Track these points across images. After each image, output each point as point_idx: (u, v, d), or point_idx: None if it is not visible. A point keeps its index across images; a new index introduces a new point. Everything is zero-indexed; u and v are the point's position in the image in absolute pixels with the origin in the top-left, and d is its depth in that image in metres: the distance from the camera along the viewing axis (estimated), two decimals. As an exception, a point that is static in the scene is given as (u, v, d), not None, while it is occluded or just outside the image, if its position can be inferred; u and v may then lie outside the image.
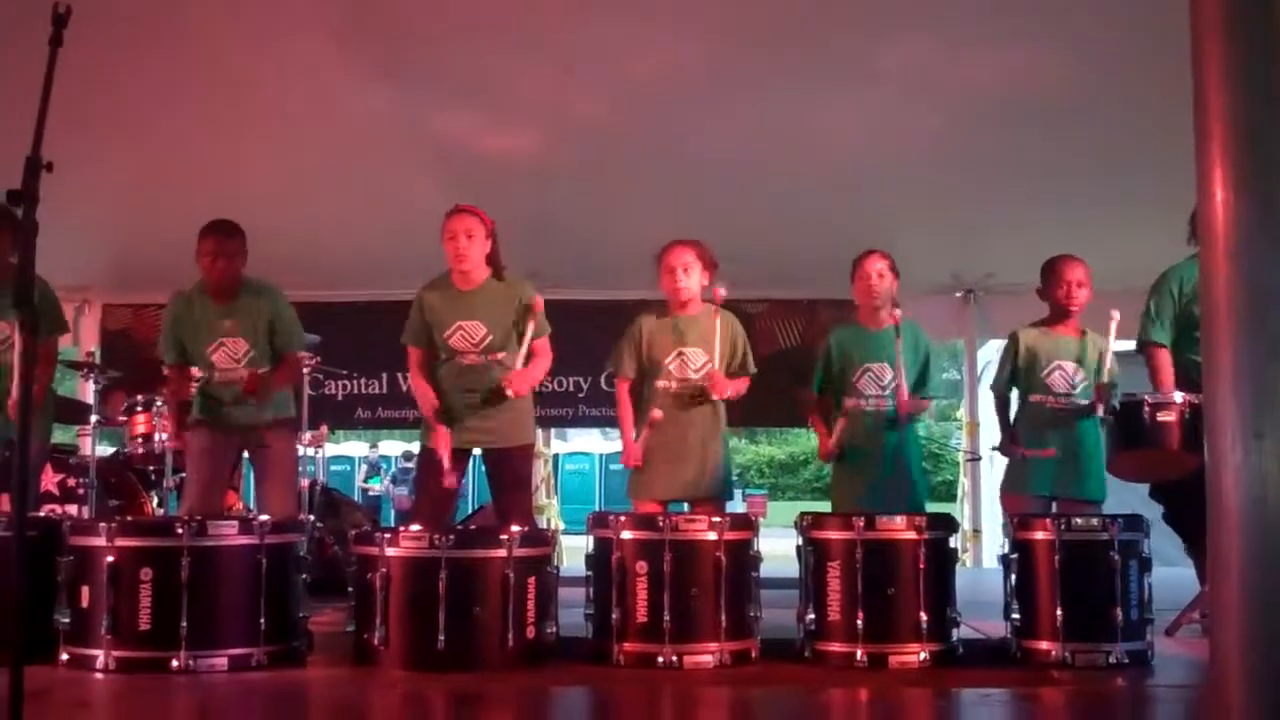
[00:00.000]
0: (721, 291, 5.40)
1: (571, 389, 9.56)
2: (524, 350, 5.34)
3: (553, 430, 11.40)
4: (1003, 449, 5.81)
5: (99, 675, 4.34)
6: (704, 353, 5.44)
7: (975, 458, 9.30)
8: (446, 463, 5.24)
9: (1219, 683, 1.95)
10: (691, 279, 5.48)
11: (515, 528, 4.76)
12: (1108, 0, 5.86)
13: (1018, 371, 5.72)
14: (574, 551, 5.04)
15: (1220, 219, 1.93)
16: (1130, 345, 5.73)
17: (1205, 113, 2.02)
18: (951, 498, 12.37)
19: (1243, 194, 1.94)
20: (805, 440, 29.43)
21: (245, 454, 6.21)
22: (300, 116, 7.17)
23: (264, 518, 4.76)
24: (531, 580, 4.57)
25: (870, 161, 7.54)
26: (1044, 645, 4.67)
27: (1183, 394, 5.13)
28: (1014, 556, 4.83)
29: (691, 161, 7.55)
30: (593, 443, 20.33)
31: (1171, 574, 5.39)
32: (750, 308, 8.89)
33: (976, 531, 9.88)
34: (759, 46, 6.39)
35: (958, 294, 9.73)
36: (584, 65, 6.73)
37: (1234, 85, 1.99)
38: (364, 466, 17.13)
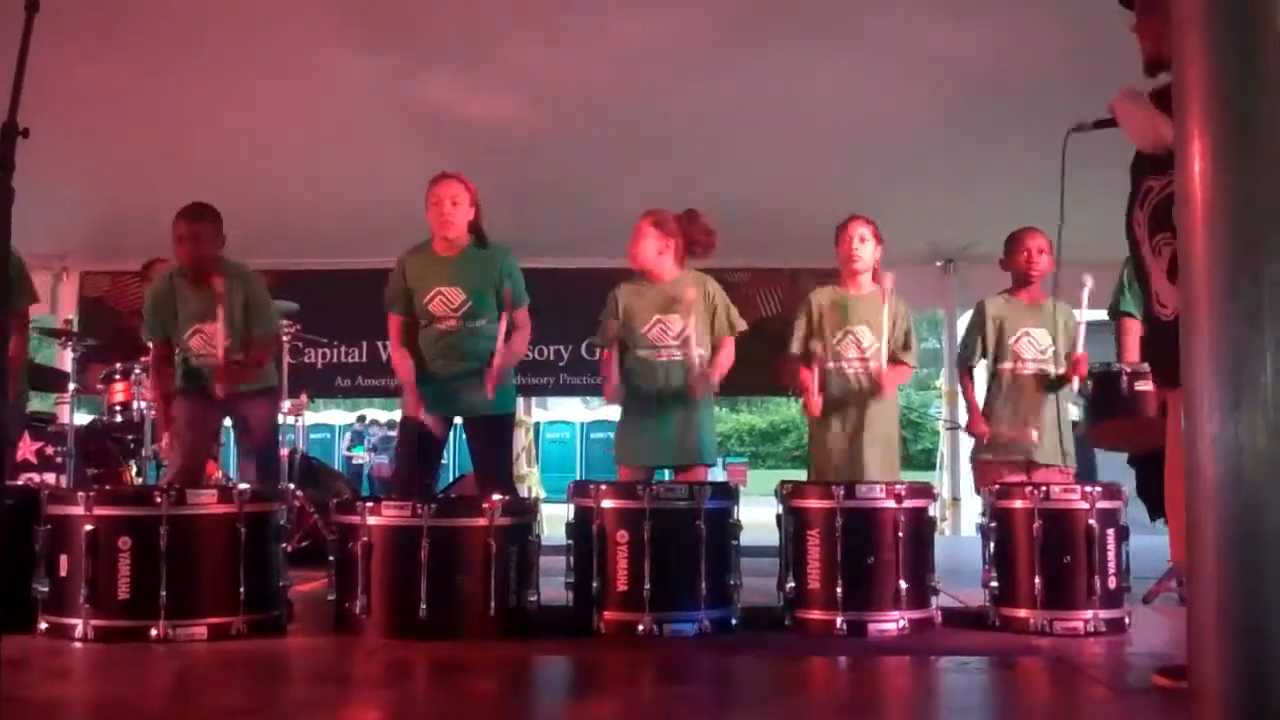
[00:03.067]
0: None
1: (552, 357, 9.56)
2: (504, 327, 5.34)
3: (533, 398, 11.40)
4: (970, 427, 5.85)
5: (77, 644, 4.32)
6: (681, 319, 5.46)
7: (954, 426, 9.33)
8: (428, 420, 5.26)
9: (1197, 657, 1.96)
10: (648, 247, 5.52)
11: (496, 496, 4.76)
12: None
13: (985, 340, 5.76)
14: (555, 520, 5.03)
15: (1198, 190, 1.92)
16: (1101, 315, 5.78)
17: (1184, 84, 2.01)
18: (931, 466, 12.42)
19: (1221, 165, 1.94)
20: (786, 409, 29.51)
21: (227, 422, 6.18)
22: (280, 83, 7.12)
23: (243, 486, 4.75)
24: (513, 549, 4.57)
25: (853, 131, 7.54)
26: (1022, 613, 4.69)
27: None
28: (992, 525, 4.85)
29: (675, 130, 7.54)
30: (574, 411, 20.33)
31: (1150, 542, 5.43)
32: (732, 276, 8.89)
33: (955, 500, 9.94)
34: (745, 14, 6.38)
35: (938, 263, 9.75)
36: (569, 31, 6.70)
37: (1213, 57, 1.98)
38: (348, 435, 17.10)
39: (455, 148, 6.88)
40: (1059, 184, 7.30)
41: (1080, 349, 5.56)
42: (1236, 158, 1.98)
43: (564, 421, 20.32)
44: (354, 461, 16.59)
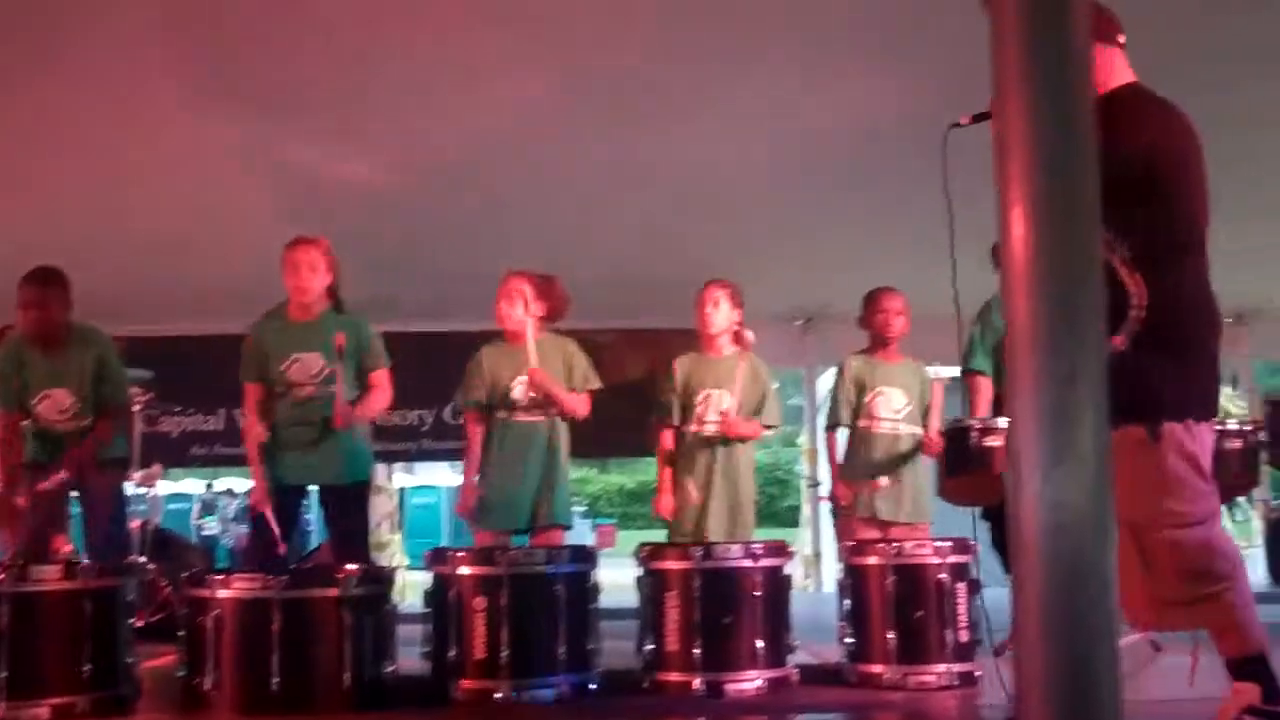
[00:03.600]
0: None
1: (416, 422, 9.47)
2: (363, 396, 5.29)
3: (398, 464, 11.28)
4: (832, 494, 5.97)
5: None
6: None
7: (815, 483, 9.45)
8: (275, 530, 5.19)
9: (1025, 711, 2.00)
10: (516, 309, 5.53)
11: (351, 566, 4.69)
12: (943, 35, 6.02)
13: (847, 399, 5.86)
14: (420, 587, 4.98)
15: (1020, 252, 1.99)
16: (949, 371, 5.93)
17: (1006, 149, 2.09)
18: (796, 523, 12.54)
19: (1043, 227, 2.01)
20: (655, 470, 29.56)
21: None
22: (137, 146, 6.99)
23: (88, 562, 4.62)
24: (368, 620, 4.50)
25: (718, 193, 7.65)
26: (877, 669, 4.74)
27: (1007, 419, 5.28)
28: (848, 581, 4.91)
29: (542, 193, 7.57)
30: (441, 475, 20.08)
31: (1004, 594, 5.51)
32: (600, 338, 8.93)
33: (818, 555, 10.03)
34: (612, 78, 6.44)
35: (797, 322, 9.90)
36: (437, 95, 6.70)
37: (1033, 121, 2.06)
38: (197, 505, 16.65)
39: (319, 212, 6.84)
40: (913, 244, 7.48)
41: (938, 410, 5.71)
42: (1057, 220, 2.04)
43: (430, 486, 20.07)
44: (204, 532, 16.12)
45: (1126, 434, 3.27)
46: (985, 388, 5.74)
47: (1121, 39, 3.59)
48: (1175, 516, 3.33)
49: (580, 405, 5.56)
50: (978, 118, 3.65)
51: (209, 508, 16.30)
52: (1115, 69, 3.55)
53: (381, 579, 4.71)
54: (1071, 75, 2.29)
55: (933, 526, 5.83)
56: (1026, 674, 2.10)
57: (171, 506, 15.63)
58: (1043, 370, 2.16)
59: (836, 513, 5.98)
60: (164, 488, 9.33)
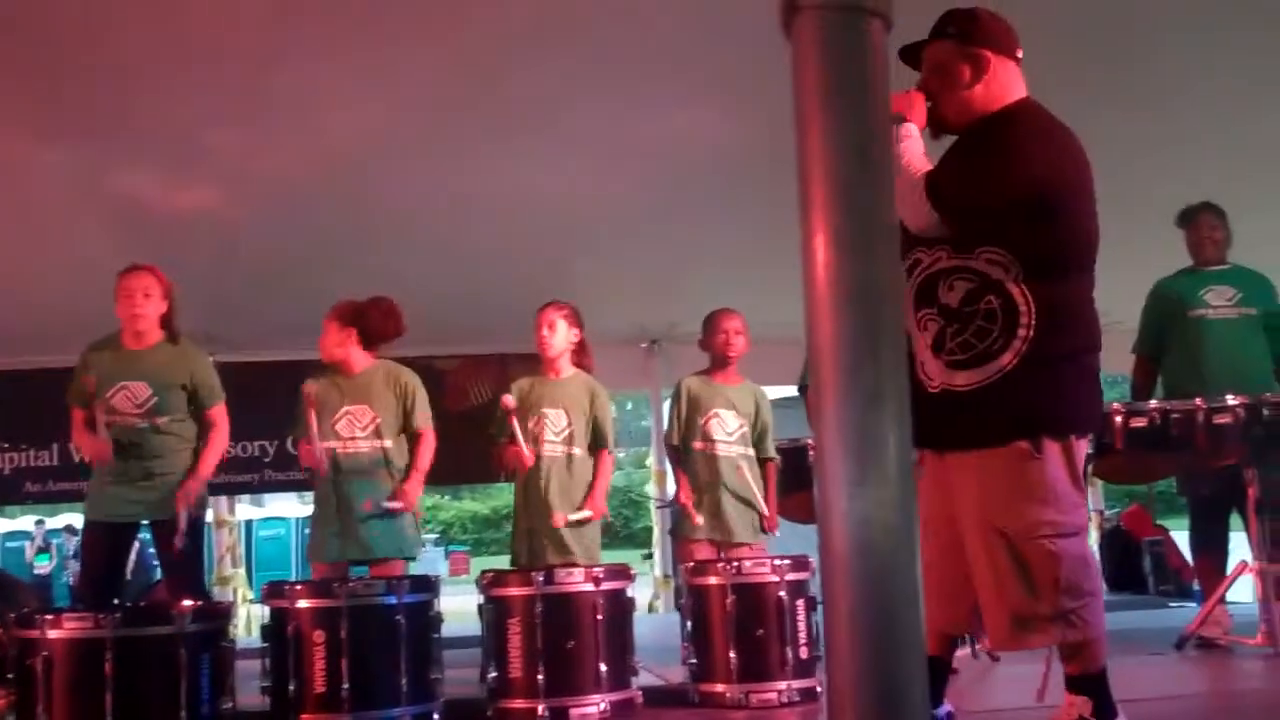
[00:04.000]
0: None
1: (257, 453, 9.32)
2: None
3: (241, 497, 11.08)
4: (676, 498, 6.01)
5: None
6: (371, 410, 5.45)
7: (664, 505, 9.52)
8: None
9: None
10: (329, 340, 5.56)
11: (187, 603, 4.60)
12: (767, 66, 6.16)
13: (682, 419, 5.91)
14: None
15: (822, 279, 2.05)
16: (787, 391, 6.05)
17: (807, 177, 2.14)
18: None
19: (842, 253, 2.07)
20: (508, 494, 29.49)
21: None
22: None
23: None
24: (205, 656, 4.41)
25: (560, 216, 7.70)
26: (719, 688, 4.80)
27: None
28: (689, 602, 4.96)
29: (380, 219, 7.53)
30: (289, 507, 19.73)
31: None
32: (442, 364, 8.90)
33: (668, 577, 10.10)
34: (451, 103, 6.45)
35: (643, 344, 9.99)
36: (269, 121, 6.64)
37: (832, 150, 2.13)
38: (29, 543, 16.06)
39: (153, 240, 6.73)
40: (747, 265, 7.60)
41: (771, 434, 5.81)
42: (856, 246, 2.11)
43: (279, 518, 19.70)
44: (39, 571, 15.53)
45: (1013, 448, 3.39)
46: None
47: (1019, 53, 3.59)
48: (1054, 526, 3.37)
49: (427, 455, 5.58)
50: None
51: (44, 547, 15.72)
52: (1010, 84, 3.56)
53: (219, 614, 4.63)
54: (869, 102, 2.39)
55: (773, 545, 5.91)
56: (838, 687, 2.17)
57: (8, 544, 15.10)
58: (845, 391, 2.24)
59: (675, 535, 6.02)
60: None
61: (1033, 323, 3.38)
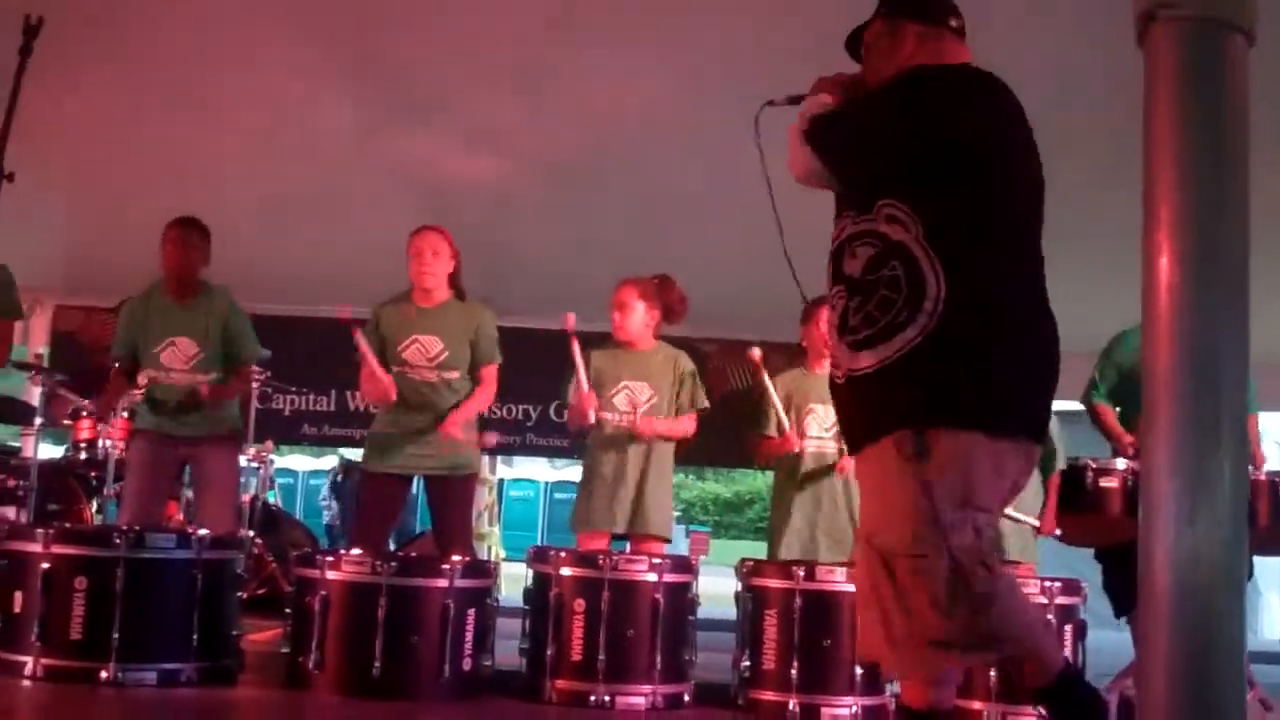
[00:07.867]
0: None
1: (520, 417, 9.53)
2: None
3: (499, 457, 11.37)
4: None
5: (26, 683, 4.27)
6: (650, 388, 5.47)
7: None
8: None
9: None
10: (632, 318, 5.50)
11: (457, 558, 4.74)
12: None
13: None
14: (514, 580, 5.01)
15: (1164, 302, 1.96)
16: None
17: (1153, 195, 2.06)
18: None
19: (1187, 278, 1.98)
20: (752, 480, 29.47)
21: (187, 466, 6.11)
22: (273, 132, 7.15)
23: (202, 532, 4.70)
24: (471, 612, 4.56)
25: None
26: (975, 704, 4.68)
27: (1125, 461, 5.19)
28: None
29: (650, 197, 7.57)
30: (539, 470, 20.20)
31: (1111, 637, 5.41)
32: (701, 347, 8.92)
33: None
34: (728, 79, 6.44)
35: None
36: (551, 95, 6.75)
37: (1183, 168, 2.04)
38: (326, 484, 16.36)
39: (437, 205, 6.90)
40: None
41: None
42: (1202, 273, 2.02)
43: (529, 480, 20.18)
44: (329, 513, 15.73)
45: (897, 437, 2.90)
46: (1109, 413, 5.70)
47: (953, 21, 3.21)
48: (924, 543, 2.85)
49: (682, 430, 5.56)
50: (794, 99, 3.30)
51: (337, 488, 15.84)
52: (944, 52, 3.15)
53: (487, 572, 4.77)
54: (1222, 129, 2.27)
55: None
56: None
57: (281, 481, 15.76)
58: (1181, 428, 2.12)
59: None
60: (275, 464, 9.43)
61: (942, 294, 2.88)
